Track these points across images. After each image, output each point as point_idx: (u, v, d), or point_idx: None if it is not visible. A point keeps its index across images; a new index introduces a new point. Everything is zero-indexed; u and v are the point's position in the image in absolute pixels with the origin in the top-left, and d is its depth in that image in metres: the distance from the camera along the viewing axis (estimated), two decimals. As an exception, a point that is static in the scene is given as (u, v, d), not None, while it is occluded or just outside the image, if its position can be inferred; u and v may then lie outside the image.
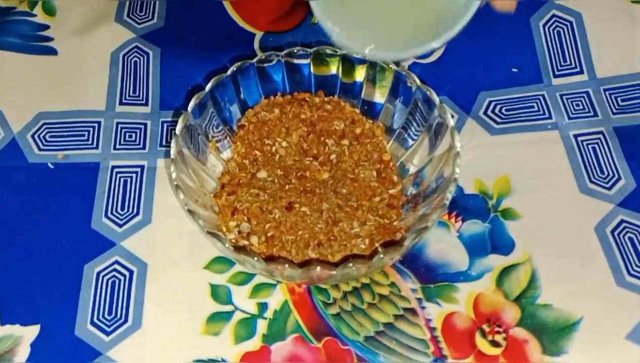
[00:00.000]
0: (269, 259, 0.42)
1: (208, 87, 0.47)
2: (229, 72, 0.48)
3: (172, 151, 0.44)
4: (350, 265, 0.39)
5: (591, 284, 0.44)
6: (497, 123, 0.52)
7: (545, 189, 0.49)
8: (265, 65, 0.50)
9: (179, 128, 0.45)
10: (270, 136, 0.49)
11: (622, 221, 0.47)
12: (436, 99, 0.47)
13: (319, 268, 0.39)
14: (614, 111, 0.52)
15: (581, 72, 0.55)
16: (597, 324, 0.43)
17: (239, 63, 0.48)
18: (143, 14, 0.59)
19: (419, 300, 0.45)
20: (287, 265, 0.39)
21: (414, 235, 0.41)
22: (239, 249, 0.41)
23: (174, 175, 0.43)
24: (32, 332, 0.43)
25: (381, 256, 0.40)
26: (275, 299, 0.45)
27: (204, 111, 0.47)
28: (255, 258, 0.39)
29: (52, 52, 0.56)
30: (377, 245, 0.44)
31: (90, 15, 0.58)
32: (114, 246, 0.47)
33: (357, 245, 0.44)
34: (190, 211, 0.41)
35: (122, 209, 0.48)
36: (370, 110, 0.51)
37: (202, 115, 0.47)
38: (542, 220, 0.47)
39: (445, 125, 0.45)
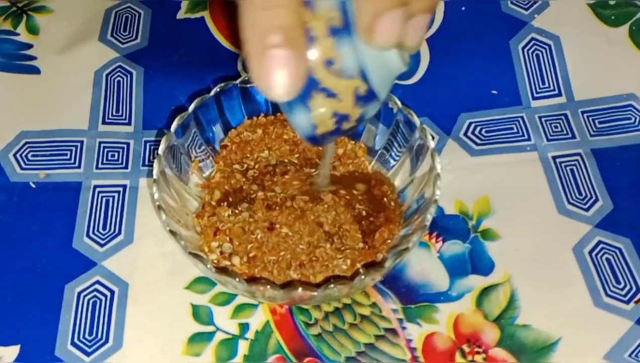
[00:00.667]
0: (251, 280, 0.42)
1: (191, 107, 0.47)
2: (212, 92, 0.48)
3: (155, 172, 0.44)
4: (332, 285, 0.40)
5: (569, 305, 0.45)
6: (477, 144, 0.53)
7: (524, 209, 0.50)
8: (249, 86, 0.50)
9: (161, 148, 0.45)
10: (252, 156, 0.49)
11: (600, 242, 0.48)
12: (417, 121, 0.47)
13: (300, 289, 0.40)
14: (592, 133, 0.53)
15: (559, 94, 0.56)
16: (575, 345, 0.43)
17: (222, 84, 0.49)
18: (127, 33, 0.59)
19: (400, 320, 0.45)
20: (268, 286, 0.39)
21: (395, 256, 0.41)
22: (220, 270, 0.41)
23: (156, 195, 0.43)
24: (12, 352, 0.43)
25: (362, 277, 0.40)
26: (257, 319, 0.45)
27: (187, 131, 0.48)
28: (237, 279, 0.39)
29: (35, 70, 0.56)
30: (358, 265, 0.44)
31: (73, 34, 0.59)
32: (95, 266, 0.46)
33: (339, 265, 0.44)
34: (172, 232, 0.41)
35: (104, 228, 0.48)
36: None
37: (185, 135, 0.48)
38: (521, 241, 0.48)
39: (426, 147, 0.46)
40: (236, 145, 0.49)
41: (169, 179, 0.45)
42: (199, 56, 0.58)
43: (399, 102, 0.48)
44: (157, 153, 0.45)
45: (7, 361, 0.42)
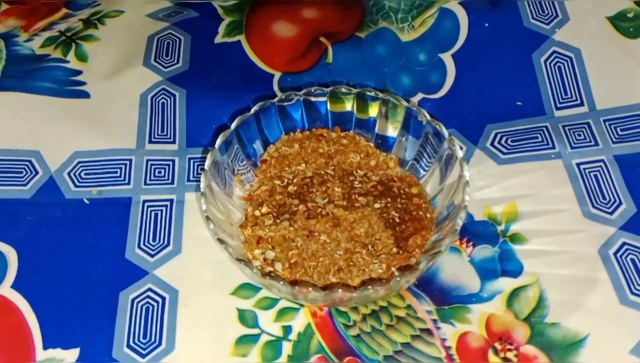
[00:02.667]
0: (293, 283, 0.45)
1: (233, 125, 0.51)
2: (252, 111, 0.52)
3: (202, 185, 0.47)
4: (369, 287, 0.42)
5: (596, 303, 0.47)
6: (504, 153, 0.56)
7: (550, 214, 0.52)
8: (285, 104, 0.53)
9: (207, 163, 0.48)
10: (290, 169, 0.52)
11: (624, 243, 0.50)
12: (445, 132, 0.50)
13: (340, 290, 0.42)
14: (614, 140, 0.56)
15: (582, 104, 0.58)
16: (602, 340, 0.45)
17: (261, 103, 0.52)
18: (169, 58, 0.63)
19: (434, 321, 0.47)
20: (311, 289, 0.42)
21: (427, 259, 0.44)
22: (265, 274, 0.44)
23: (204, 207, 0.46)
24: (72, 354, 0.46)
25: (397, 279, 0.43)
26: (299, 322, 0.47)
27: (230, 148, 0.51)
28: (281, 282, 0.42)
29: (85, 95, 0.60)
30: (393, 269, 0.46)
31: (119, 60, 0.62)
32: (146, 275, 0.50)
33: (375, 270, 0.47)
34: (220, 240, 0.44)
35: (154, 240, 0.52)
36: (384, 143, 0.54)
37: (228, 151, 0.51)
38: (548, 244, 0.50)
39: (455, 156, 0.49)
40: (275, 159, 0.53)
41: (215, 193, 0.48)
42: (236, 77, 0.61)
43: (427, 115, 0.51)
44: (204, 168, 0.48)
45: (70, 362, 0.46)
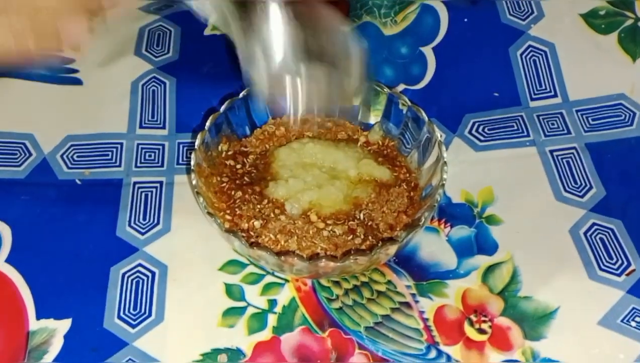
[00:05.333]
0: (279, 254, 0.47)
1: (222, 108, 0.53)
2: (240, 95, 0.54)
3: (192, 163, 0.49)
4: (352, 258, 0.44)
5: (566, 278, 0.50)
6: (481, 141, 0.58)
7: (524, 197, 0.54)
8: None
9: (197, 143, 0.50)
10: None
11: (594, 224, 0.52)
12: (425, 117, 0.52)
13: (324, 260, 0.44)
14: (586, 129, 0.58)
15: (555, 95, 0.61)
16: (572, 312, 0.48)
17: (249, 88, 0.54)
18: (160, 48, 0.65)
19: (413, 295, 0.50)
20: (296, 258, 0.44)
21: (407, 232, 0.46)
22: (253, 244, 0.45)
23: (194, 182, 0.48)
24: (64, 325, 0.47)
25: (379, 250, 0.45)
26: (284, 296, 0.49)
27: (219, 131, 0.53)
28: (268, 253, 0.44)
29: (78, 82, 0.62)
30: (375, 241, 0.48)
31: (111, 49, 0.64)
32: (137, 251, 0.51)
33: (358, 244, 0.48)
34: (209, 214, 0.46)
35: (144, 219, 0.53)
36: (367, 130, 0.56)
37: (218, 135, 0.53)
38: (522, 224, 0.53)
39: (434, 139, 0.51)
40: (260, 141, 0.55)
41: (203, 169, 0.50)
42: (225, 66, 0.63)
43: (408, 101, 0.53)
44: (195, 148, 0.50)
45: (61, 333, 0.47)
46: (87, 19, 0.43)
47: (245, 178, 0.52)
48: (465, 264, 0.51)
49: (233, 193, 0.50)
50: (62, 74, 0.63)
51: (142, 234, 0.53)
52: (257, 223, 0.48)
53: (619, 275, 0.49)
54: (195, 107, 0.60)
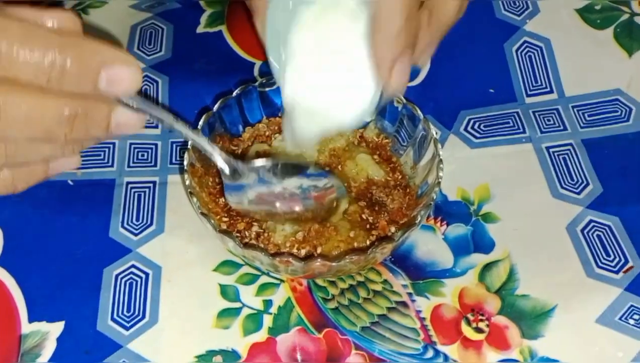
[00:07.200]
0: (274, 255, 0.47)
1: (215, 107, 0.52)
2: (234, 94, 0.53)
3: (185, 163, 0.48)
4: (347, 257, 0.44)
5: (564, 276, 0.49)
6: (477, 138, 0.58)
7: (521, 194, 0.54)
8: (267, 89, 0.55)
9: (190, 142, 0.49)
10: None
11: (591, 220, 0.52)
12: (420, 114, 0.52)
13: (319, 260, 0.44)
14: (582, 125, 0.58)
15: (551, 91, 0.60)
16: (569, 310, 0.48)
17: (243, 86, 0.54)
18: (151, 46, 0.64)
19: (410, 294, 0.49)
20: (291, 258, 0.44)
21: (403, 231, 0.46)
22: (247, 245, 0.45)
23: (187, 182, 0.47)
24: (57, 327, 0.47)
25: (375, 249, 0.45)
26: (279, 296, 0.49)
27: (212, 130, 0.52)
28: (263, 253, 0.44)
29: (69, 81, 0.61)
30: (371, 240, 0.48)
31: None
32: (130, 252, 0.51)
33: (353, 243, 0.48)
34: (203, 214, 0.46)
35: (137, 220, 0.53)
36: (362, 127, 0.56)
37: (211, 135, 0.52)
38: (519, 222, 0.52)
39: (429, 137, 0.51)
40: (254, 139, 0.54)
41: (197, 169, 0.50)
42: (218, 65, 0.63)
43: (403, 99, 0.53)
44: (188, 147, 0.49)
45: (54, 335, 0.47)
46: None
47: None
48: (461, 262, 0.51)
49: None
50: (54, 74, 0.62)
51: (136, 235, 0.52)
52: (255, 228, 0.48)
53: (616, 272, 0.49)
54: (188, 106, 0.59)
